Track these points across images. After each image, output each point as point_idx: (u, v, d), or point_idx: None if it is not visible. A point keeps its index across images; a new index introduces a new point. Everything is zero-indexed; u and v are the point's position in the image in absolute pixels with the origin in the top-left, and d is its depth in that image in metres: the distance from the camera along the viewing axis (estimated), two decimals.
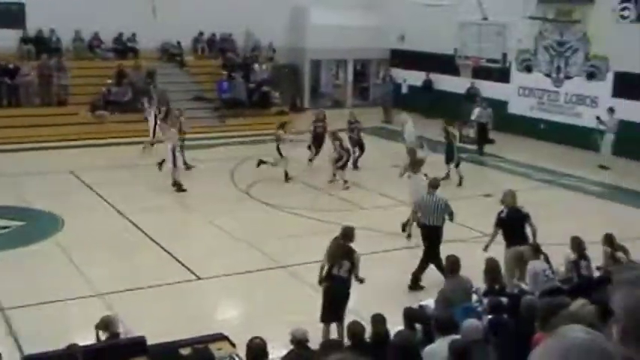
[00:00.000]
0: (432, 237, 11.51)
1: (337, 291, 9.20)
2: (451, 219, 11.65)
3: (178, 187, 16.59)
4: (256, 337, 6.87)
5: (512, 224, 10.97)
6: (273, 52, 28.00)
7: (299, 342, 7.32)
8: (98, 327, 7.75)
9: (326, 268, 9.33)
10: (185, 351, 7.39)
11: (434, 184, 11.99)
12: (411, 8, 27.73)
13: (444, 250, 10.30)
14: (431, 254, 11.40)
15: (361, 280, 9.37)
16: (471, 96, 25.06)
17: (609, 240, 10.53)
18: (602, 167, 20.09)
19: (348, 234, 9.42)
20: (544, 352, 1.85)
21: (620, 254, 10.24)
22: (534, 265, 9.75)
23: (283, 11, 28.09)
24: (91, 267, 11.94)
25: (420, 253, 11.71)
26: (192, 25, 26.28)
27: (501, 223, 11.05)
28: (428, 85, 27.88)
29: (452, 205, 11.78)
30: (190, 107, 24.83)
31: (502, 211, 11.14)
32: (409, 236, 13.43)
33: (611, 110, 20.41)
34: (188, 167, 18.46)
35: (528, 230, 10.99)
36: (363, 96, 31.59)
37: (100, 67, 24.83)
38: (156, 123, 19.69)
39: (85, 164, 18.97)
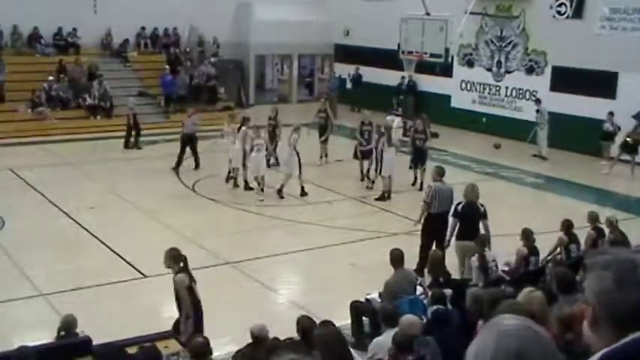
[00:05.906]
0: (444, 222, 11.52)
1: None
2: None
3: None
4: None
5: (466, 218, 11.02)
6: (217, 47, 27.81)
7: (257, 338, 7.23)
8: (60, 328, 7.63)
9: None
10: (132, 350, 7.33)
11: (441, 173, 12.05)
12: (355, 3, 27.94)
13: (391, 243, 10.40)
14: (439, 240, 11.48)
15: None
16: (410, 88, 25.47)
17: (567, 228, 10.60)
18: (538, 157, 20.60)
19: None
20: (479, 344, 1.87)
21: (572, 247, 10.43)
22: (481, 257, 9.95)
23: (227, 6, 27.93)
24: (33, 267, 11.71)
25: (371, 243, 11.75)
26: (134, 19, 25.88)
27: (457, 215, 11.16)
28: (357, 79, 28.42)
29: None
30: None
31: (460, 204, 11.23)
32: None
33: (538, 101, 20.96)
34: None
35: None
36: (309, 91, 31.69)
37: (40, 62, 24.28)
38: None
39: (25, 162, 18.55)
